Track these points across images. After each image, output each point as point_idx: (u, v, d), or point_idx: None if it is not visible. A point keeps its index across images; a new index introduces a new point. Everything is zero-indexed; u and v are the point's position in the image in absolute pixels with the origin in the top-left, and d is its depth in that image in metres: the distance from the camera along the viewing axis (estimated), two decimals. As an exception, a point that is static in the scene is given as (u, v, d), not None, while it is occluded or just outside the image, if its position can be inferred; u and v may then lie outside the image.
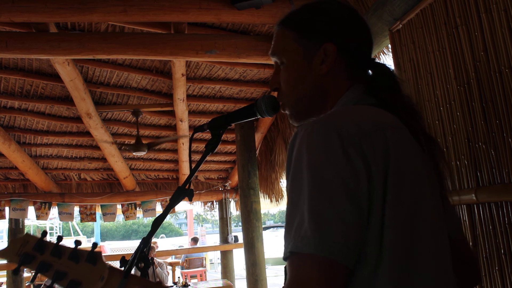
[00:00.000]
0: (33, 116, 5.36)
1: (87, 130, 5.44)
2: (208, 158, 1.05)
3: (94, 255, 0.85)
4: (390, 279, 0.67)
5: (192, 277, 9.07)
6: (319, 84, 0.88)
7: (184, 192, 0.98)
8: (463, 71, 1.70)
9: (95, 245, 0.87)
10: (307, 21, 0.90)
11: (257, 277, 5.08)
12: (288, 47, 0.91)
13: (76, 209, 7.00)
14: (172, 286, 6.45)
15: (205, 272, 9.77)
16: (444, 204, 0.83)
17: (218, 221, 7.96)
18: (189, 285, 6.34)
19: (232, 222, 7.91)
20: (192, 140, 1.14)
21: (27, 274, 6.85)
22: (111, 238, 36.90)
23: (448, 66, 1.78)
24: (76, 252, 0.85)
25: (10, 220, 6.51)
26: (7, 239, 6.91)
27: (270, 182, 6.67)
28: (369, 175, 0.68)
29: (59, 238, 0.88)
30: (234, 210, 7.87)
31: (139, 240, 0.93)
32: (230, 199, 7.66)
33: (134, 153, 5.43)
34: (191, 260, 9.76)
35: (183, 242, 20.78)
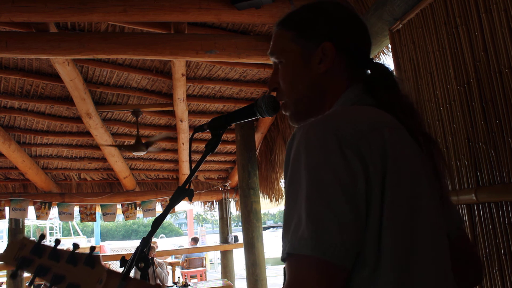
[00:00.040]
0: (33, 116, 5.36)
1: (87, 130, 5.44)
2: (208, 158, 1.06)
3: (92, 258, 0.84)
4: (390, 279, 0.67)
5: (192, 277, 9.07)
6: (317, 84, 0.88)
7: (184, 192, 0.98)
8: (463, 71, 1.70)
9: (93, 248, 0.87)
10: (306, 21, 0.90)
11: (257, 277, 5.08)
12: (286, 47, 0.91)
13: (76, 209, 7.00)
14: (172, 286, 6.45)
15: (205, 272, 9.77)
16: (444, 204, 0.83)
17: (218, 221, 7.96)
18: (189, 285, 6.34)
19: (232, 222, 7.91)
20: (192, 140, 1.14)
21: (27, 274, 6.84)
22: (111, 238, 36.90)
23: (448, 66, 1.78)
24: (74, 255, 0.85)
25: (10, 220, 6.51)
26: (7, 239, 6.90)
27: (270, 182, 6.67)
28: (367, 176, 0.68)
29: (57, 242, 0.87)
30: (234, 210, 7.88)
31: (139, 240, 0.93)
32: (230, 199, 7.66)
33: (134, 153, 5.43)
34: (191, 260, 9.76)
35: (183, 242, 20.78)
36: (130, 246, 15.91)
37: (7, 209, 6.49)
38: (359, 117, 0.75)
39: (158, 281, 6.42)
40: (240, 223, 5.76)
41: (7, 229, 6.67)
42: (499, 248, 1.52)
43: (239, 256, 7.37)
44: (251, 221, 5.19)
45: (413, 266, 0.69)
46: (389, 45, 2.53)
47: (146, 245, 0.92)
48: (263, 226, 5.64)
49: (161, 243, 16.05)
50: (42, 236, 0.87)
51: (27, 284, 6.62)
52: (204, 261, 10.11)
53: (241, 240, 5.94)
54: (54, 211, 6.94)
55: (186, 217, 24.72)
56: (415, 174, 0.74)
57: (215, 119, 1.06)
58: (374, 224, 0.68)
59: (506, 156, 1.48)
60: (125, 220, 7.40)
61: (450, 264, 0.77)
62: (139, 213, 7.50)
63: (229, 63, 4.51)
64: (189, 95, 5.19)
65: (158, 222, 0.95)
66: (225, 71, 4.80)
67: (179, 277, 6.91)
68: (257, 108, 1.02)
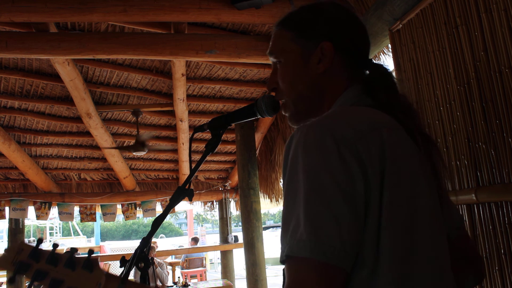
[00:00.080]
0: (33, 116, 5.36)
1: (87, 130, 5.44)
2: (208, 158, 1.06)
3: (90, 262, 0.84)
4: (389, 279, 0.67)
5: (192, 277, 9.07)
6: (316, 83, 0.89)
7: (184, 192, 0.98)
8: (463, 71, 1.70)
9: (91, 252, 0.87)
10: (306, 21, 0.90)
11: (257, 277, 5.08)
12: (286, 47, 0.92)
13: (76, 209, 7.00)
14: (172, 286, 6.46)
15: (205, 272, 9.77)
16: (443, 204, 0.83)
17: (218, 221, 7.96)
18: (189, 285, 6.34)
19: (232, 222, 7.91)
20: (192, 140, 1.14)
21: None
22: (111, 238, 36.89)
23: (448, 66, 1.78)
24: (72, 259, 0.84)
25: (10, 220, 6.51)
26: (7, 239, 6.90)
27: (270, 182, 6.67)
28: (365, 177, 0.68)
29: (55, 246, 0.87)
30: (234, 210, 7.88)
31: (139, 240, 0.93)
32: (230, 199, 7.66)
33: (134, 153, 5.43)
34: (191, 260, 9.76)
35: (183, 242, 20.77)
36: (130, 246, 15.89)
37: (7, 209, 6.49)
38: (357, 118, 0.76)
39: (158, 281, 6.42)
40: (240, 223, 5.76)
41: (7, 229, 6.67)
42: (499, 248, 1.52)
43: (239, 256, 7.37)
44: (251, 221, 5.19)
45: (413, 266, 0.69)
46: (389, 45, 2.53)
47: (146, 245, 0.92)
48: (263, 226, 5.64)
49: (161, 243, 16.06)
50: (40, 240, 0.87)
51: (27, 284, 6.62)
52: (204, 261, 10.11)
53: (241, 240, 5.94)
54: (54, 211, 6.94)
55: (186, 217, 24.73)
56: (414, 174, 0.74)
57: (215, 119, 1.06)
58: (373, 224, 0.68)
59: (506, 156, 1.48)
60: (125, 220, 7.40)
61: (450, 264, 0.77)
62: (139, 213, 7.50)
63: (229, 63, 4.51)
64: (189, 95, 5.19)
65: (158, 222, 0.95)
66: (225, 71, 4.80)
67: (179, 277, 6.92)
68: (257, 108, 1.02)
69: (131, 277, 0.92)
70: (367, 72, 0.92)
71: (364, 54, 0.92)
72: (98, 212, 7.11)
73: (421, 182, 0.75)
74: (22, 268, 0.84)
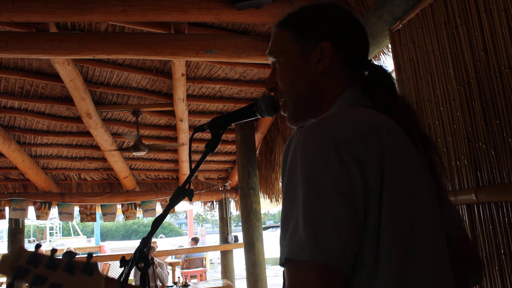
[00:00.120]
0: (33, 116, 5.36)
1: (87, 130, 5.44)
2: (208, 158, 1.06)
3: (89, 266, 0.84)
4: (389, 280, 0.67)
5: (192, 277, 9.06)
6: (315, 83, 0.89)
7: (184, 192, 0.98)
8: (463, 71, 1.70)
9: (90, 255, 0.87)
10: (306, 22, 0.91)
11: (257, 277, 5.08)
12: (285, 47, 0.92)
13: (76, 209, 7.00)
14: (172, 286, 6.46)
15: (205, 272, 9.76)
16: (442, 204, 0.83)
17: (218, 221, 7.96)
18: (189, 285, 6.34)
19: (232, 222, 7.91)
20: (192, 140, 1.14)
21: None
22: (111, 238, 36.88)
23: (448, 66, 1.78)
24: (71, 264, 0.84)
25: (10, 220, 6.51)
26: (7, 239, 6.90)
27: (270, 182, 6.66)
28: (365, 178, 0.68)
29: (53, 251, 0.87)
30: (234, 210, 7.88)
31: (139, 240, 0.93)
32: (230, 199, 7.66)
33: (134, 153, 5.43)
34: (191, 260, 9.76)
35: (183, 242, 20.76)
36: (130, 246, 15.89)
37: (7, 209, 6.49)
38: (356, 119, 0.76)
39: (158, 281, 6.42)
40: (240, 223, 5.76)
41: (7, 229, 6.67)
42: (499, 248, 1.52)
43: (239, 256, 7.37)
44: (251, 221, 5.19)
45: (413, 266, 0.69)
46: (389, 45, 2.53)
47: (146, 245, 0.91)
48: (263, 226, 5.64)
49: (161, 243, 16.05)
50: (38, 246, 0.86)
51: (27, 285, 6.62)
52: (204, 261, 10.10)
53: (241, 240, 5.94)
54: (54, 211, 6.94)
55: (186, 217, 24.72)
56: (413, 175, 0.74)
57: (215, 119, 1.06)
58: (373, 225, 0.67)
59: (506, 156, 1.48)
60: (125, 220, 7.40)
61: (449, 264, 0.77)
62: (139, 213, 7.50)
63: (229, 63, 4.51)
64: (189, 95, 5.19)
65: (158, 222, 0.95)
66: (225, 71, 4.80)
67: (179, 277, 6.91)
68: (257, 108, 1.02)
69: (131, 277, 0.92)
70: (366, 73, 0.92)
71: (363, 54, 0.93)
72: (98, 212, 7.12)
73: (421, 183, 0.75)
74: (20, 273, 0.83)
